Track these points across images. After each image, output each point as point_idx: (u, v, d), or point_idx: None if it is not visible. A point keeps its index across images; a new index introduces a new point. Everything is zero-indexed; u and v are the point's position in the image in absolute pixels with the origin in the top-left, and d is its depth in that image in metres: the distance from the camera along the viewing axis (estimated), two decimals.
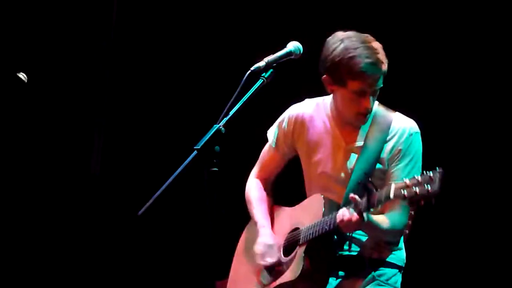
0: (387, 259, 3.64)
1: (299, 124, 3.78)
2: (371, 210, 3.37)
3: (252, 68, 3.42)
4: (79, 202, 6.10)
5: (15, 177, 6.01)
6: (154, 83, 6.21)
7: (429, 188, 3.10)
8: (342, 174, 3.63)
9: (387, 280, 3.62)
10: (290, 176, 3.93)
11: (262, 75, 3.43)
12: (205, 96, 5.97)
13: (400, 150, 3.58)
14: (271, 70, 3.44)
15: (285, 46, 3.54)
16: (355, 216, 3.35)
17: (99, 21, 6.15)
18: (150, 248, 6.11)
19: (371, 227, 3.50)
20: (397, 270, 3.66)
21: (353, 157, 3.63)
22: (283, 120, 3.84)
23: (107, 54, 6.17)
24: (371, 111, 3.60)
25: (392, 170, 3.59)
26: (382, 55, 3.54)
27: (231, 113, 3.33)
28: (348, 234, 3.53)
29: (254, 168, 3.99)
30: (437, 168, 3.15)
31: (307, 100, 3.83)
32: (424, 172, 3.18)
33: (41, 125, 6.08)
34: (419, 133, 3.64)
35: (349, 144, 3.66)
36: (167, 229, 6.01)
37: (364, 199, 3.34)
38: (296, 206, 3.80)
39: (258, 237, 3.77)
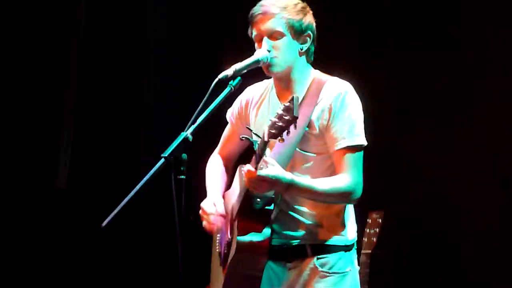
0: (330, 242, 3.61)
1: (250, 100, 3.80)
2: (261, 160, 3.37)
3: (219, 76, 3.44)
4: (44, 218, 6.03)
5: None
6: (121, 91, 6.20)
7: (288, 117, 3.24)
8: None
9: (331, 268, 3.59)
10: None
11: (230, 83, 3.46)
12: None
13: (331, 109, 3.55)
14: (239, 78, 3.48)
15: (252, 54, 3.57)
16: (250, 171, 3.36)
17: None
18: (120, 261, 6.07)
19: (298, 189, 3.46)
20: (343, 252, 3.62)
21: None
22: (238, 99, 3.86)
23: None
24: (275, 57, 3.57)
25: (331, 133, 3.56)
26: (270, 1, 3.60)
27: (199, 121, 3.34)
28: (265, 194, 3.50)
29: (218, 146, 4.00)
30: (292, 96, 3.26)
31: (264, 80, 3.84)
32: (283, 104, 3.27)
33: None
34: (353, 92, 3.60)
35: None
36: (136, 238, 5.98)
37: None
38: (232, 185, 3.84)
39: None
